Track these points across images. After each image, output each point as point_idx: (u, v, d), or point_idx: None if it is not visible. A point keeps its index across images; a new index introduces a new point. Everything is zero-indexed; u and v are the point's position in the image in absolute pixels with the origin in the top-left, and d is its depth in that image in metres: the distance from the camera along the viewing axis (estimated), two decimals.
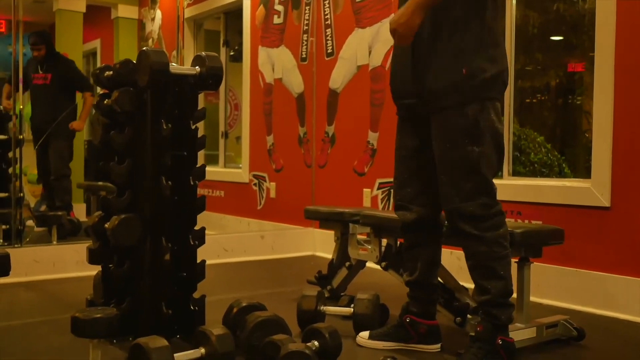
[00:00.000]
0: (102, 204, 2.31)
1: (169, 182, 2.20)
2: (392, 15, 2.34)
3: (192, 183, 2.24)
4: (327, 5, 4.99)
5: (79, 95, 5.60)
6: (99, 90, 2.54)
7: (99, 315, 2.01)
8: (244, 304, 2.45)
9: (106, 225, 2.22)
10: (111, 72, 2.32)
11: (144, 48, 2.19)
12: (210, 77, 2.24)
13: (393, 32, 2.17)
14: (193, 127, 2.27)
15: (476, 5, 2.17)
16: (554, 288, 3.38)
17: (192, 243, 2.24)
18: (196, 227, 2.26)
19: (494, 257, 2.19)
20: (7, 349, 2.51)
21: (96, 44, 7.37)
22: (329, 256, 3.51)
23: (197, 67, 2.25)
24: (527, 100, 5.46)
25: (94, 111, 5.04)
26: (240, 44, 6.17)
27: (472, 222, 2.18)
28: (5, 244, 4.41)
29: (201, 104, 4.37)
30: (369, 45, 4.59)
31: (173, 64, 2.22)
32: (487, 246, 2.18)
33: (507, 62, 2.28)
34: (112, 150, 2.30)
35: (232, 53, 6.58)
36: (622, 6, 3.16)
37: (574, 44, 5.27)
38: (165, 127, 2.21)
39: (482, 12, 2.18)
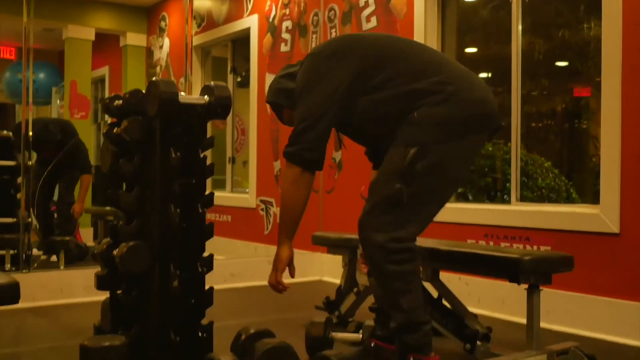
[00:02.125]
0: (111, 231, 2.32)
1: (178, 210, 2.21)
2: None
3: (200, 210, 2.25)
4: (334, 33, 5.03)
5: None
6: (107, 119, 2.56)
7: (107, 344, 2.01)
8: (252, 331, 2.44)
9: (114, 253, 2.22)
10: (120, 102, 2.35)
11: (154, 78, 2.21)
12: (219, 107, 2.26)
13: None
14: (201, 155, 2.29)
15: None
16: (564, 314, 3.36)
17: (200, 270, 2.24)
18: (204, 254, 2.27)
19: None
20: None
21: (105, 70, 7.46)
22: (337, 281, 3.50)
23: (205, 96, 2.27)
24: (533, 125, 5.47)
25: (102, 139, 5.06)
26: (248, 70, 6.22)
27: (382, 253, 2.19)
28: (13, 269, 4.42)
29: (208, 130, 4.38)
30: None
31: (182, 93, 2.24)
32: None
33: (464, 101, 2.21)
34: (121, 178, 2.32)
35: (239, 79, 6.63)
36: (628, 32, 3.18)
37: (579, 70, 5.29)
38: (174, 156, 2.23)
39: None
